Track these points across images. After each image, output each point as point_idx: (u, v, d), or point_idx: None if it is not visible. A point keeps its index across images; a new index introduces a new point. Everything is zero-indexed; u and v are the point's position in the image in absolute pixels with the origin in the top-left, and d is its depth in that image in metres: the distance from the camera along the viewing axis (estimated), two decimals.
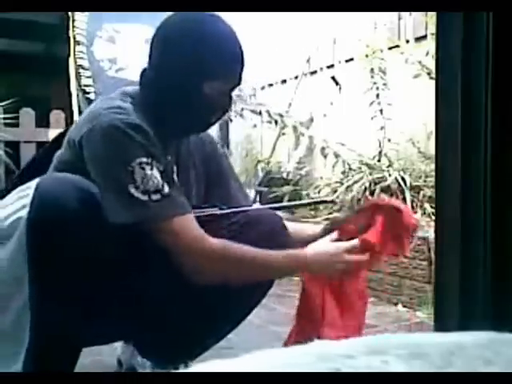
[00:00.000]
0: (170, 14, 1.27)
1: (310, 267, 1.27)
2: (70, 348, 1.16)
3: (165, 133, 1.24)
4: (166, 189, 1.13)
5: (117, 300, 1.18)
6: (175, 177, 1.28)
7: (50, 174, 1.21)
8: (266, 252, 1.20)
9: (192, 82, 1.21)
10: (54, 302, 1.08)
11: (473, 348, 0.37)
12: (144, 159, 1.12)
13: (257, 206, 1.61)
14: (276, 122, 3.86)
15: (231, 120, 4.14)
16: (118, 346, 1.45)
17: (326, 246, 1.28)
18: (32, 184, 1.11)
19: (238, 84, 1.29)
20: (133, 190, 1.10)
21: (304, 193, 3.49)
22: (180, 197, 1.18)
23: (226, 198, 1.41)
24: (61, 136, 1.31)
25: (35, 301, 1.06)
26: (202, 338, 1.33)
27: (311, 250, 1.26)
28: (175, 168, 1.31)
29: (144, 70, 1.28)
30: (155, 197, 1.12)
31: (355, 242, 1.26)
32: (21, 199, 1.11)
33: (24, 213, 1.07)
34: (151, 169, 1.12)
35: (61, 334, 1.12)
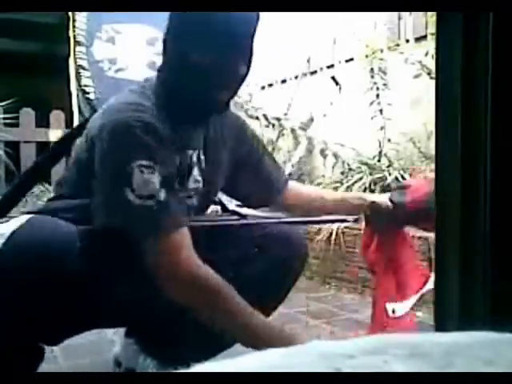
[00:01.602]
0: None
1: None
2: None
3: (185, 121, 1.22)
4: (163, 196, 1.08)
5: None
6: (196, 171, 1.26)
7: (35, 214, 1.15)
8: (250, 310, 1.10)
9: (188, 56, 1.14)
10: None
11: (473, 348, 0.37)
12: (145, 162, 1.07)
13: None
14: (273, 125, 3.86)
15: None
16: (117, 345, 1.44)
17: None
18: (10, 226, 1.03)
19: (236, 58, 1.17)
20: (128, 193, 1.06)
21: None
22: (178, 207, 1.13)
23: (255, 181, 1.41)
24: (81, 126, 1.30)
25: None
26: (216, 338, 1.32)
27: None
28: (203, 157, 1.28)
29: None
30: (149, 203, 1.07)
31: None
32: None
33: None
34: (152, 173, 1.07)
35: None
